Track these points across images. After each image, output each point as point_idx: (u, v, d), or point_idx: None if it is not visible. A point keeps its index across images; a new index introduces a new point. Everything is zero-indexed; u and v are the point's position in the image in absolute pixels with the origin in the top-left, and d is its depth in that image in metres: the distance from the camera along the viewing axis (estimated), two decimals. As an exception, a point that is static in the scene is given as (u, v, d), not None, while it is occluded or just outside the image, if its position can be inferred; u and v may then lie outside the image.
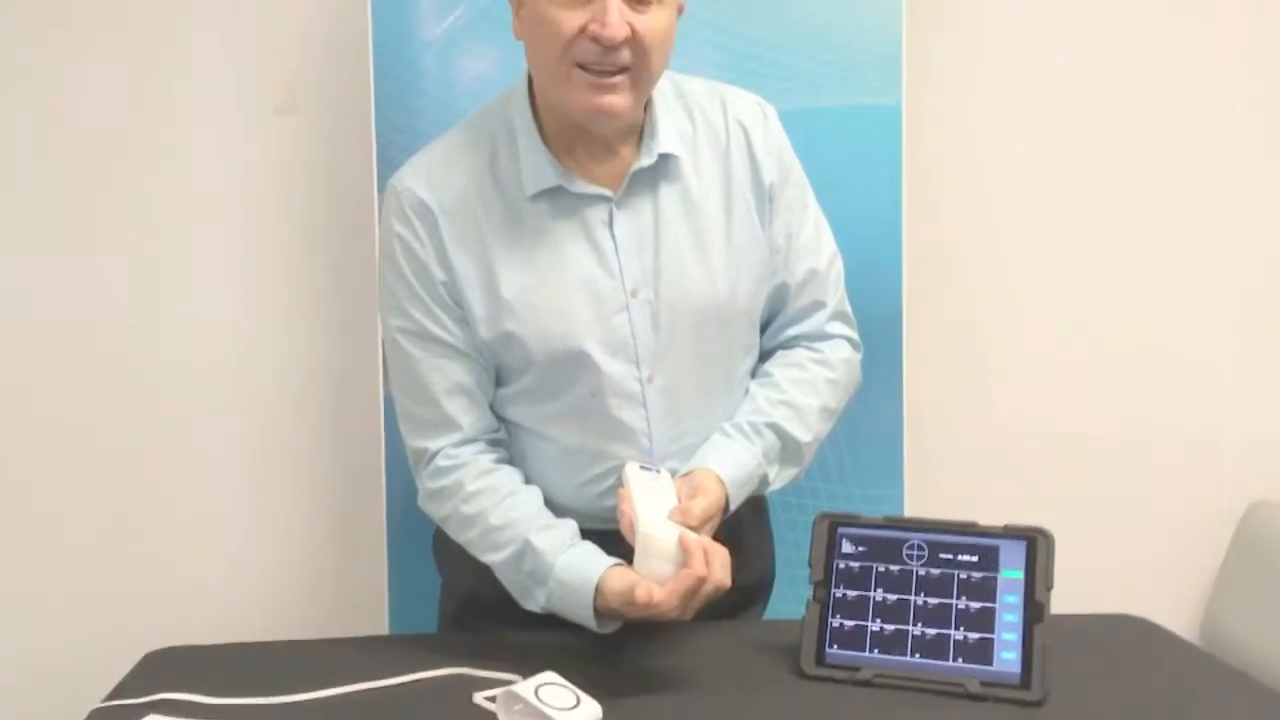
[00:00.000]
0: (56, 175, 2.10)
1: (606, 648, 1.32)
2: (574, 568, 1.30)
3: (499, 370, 1.42)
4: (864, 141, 2.00)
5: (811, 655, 1.26)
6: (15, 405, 2.13)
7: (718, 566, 1.23)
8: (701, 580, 1.21)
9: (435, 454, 1.39)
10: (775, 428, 1.41)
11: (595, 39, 1.25)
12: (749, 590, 1.53)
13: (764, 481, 1.42)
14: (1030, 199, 2.29)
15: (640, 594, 1.21)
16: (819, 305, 1.49)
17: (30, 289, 2.12)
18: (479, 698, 1.20)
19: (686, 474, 1.36)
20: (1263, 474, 2.36)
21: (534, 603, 1.34)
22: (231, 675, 1.27)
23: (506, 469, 1.41)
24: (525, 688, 1.13)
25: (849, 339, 1.52)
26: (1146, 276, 2.32)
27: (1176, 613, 2.36)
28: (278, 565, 2.20)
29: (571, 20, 1.25)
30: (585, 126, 1.34)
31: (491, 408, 1.43)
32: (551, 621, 1.36)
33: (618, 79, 1.28)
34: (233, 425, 2.17)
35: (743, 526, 1.48)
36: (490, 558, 1.36)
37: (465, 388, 1.39)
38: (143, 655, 1.37)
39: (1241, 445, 2.37)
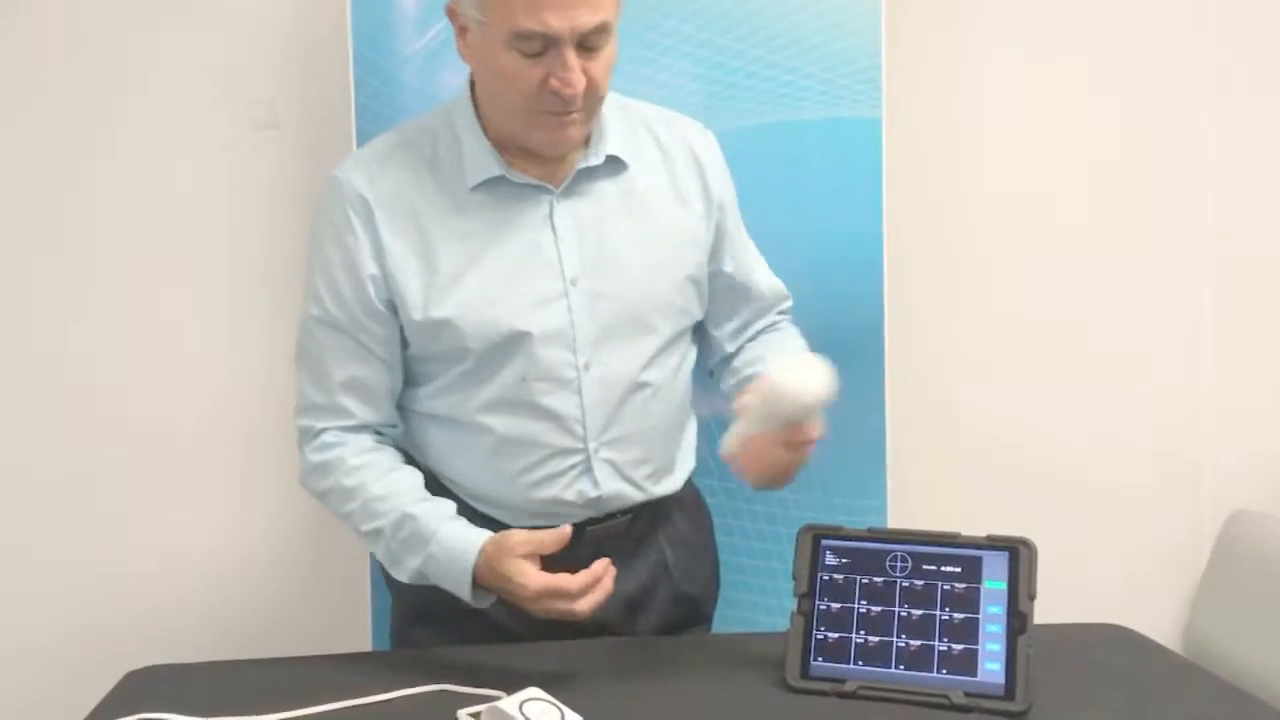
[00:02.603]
0: (34, 193, 2.09)
1: (590, 663, 1.32)
2: (458, 535, 1.33)
3: (429, 363, 1.43)
4: (845, 154, 2.00)
5: (796, 668, 1.26)
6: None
7: (587, 598, 1.26)
8: (568, 593, 1.25)
9: (321, 431, 1.42)
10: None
11: (556, 94, 1.30)
12: (695, 602, 1.56)
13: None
14: (1010, 212, 2.30)
15: (518, 537, 1.28)
16: (770, 306, 1.60)
17: (7, 302, 2.10)
18: (463, 715, 1.19)
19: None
20: (1242, 483, 2.37)
21: (404, 570, 1.37)
22: (214, 694, 1.26)
23: (390, 450, 1.44)
24: (510, 704, 1.12)
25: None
26: (1126, 288, 2.34)
27: (1159, 622, 2.37)
28: (259, 582, 2.18)
29: (532, 75, 1.29)
30: (538, 150, 1.39)
31: (414, 409, 1.46)
32: (531, 637, 1.37)
33: (575, 115, 1.34)
34: (213, 437, 2.16)
35: (686, 539, 1.54)
36: (368, 526, 1.38)
37: (364, 384, 1.42)
38: (123, 675, 1.36)
39: (1221, 455, 2.39)
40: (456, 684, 1.26)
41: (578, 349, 1.40)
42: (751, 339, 1.58)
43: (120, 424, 2.13)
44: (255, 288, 2.14)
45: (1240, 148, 2.34)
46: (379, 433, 1.45)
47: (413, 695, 1.25)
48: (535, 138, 1.36)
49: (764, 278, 1.59)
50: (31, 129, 2.08)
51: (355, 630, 2.01)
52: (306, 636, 2.09)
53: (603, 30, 1.29)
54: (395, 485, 1.39)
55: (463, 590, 1.32)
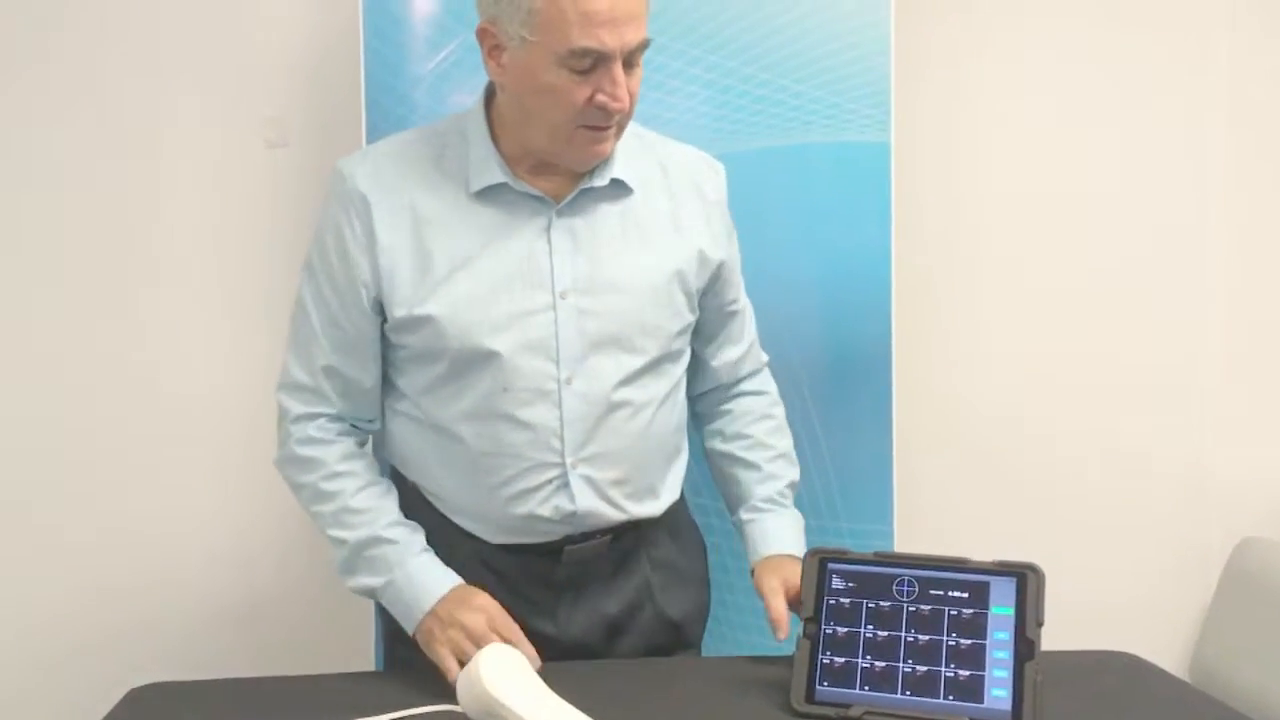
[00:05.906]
0: (50, 210, 2.10)
1: (595, 683, 1.32)
2: (428, 569, 1.41)
3: (407, 363, 1.44)
4: (853, 178, 2.00)
5: (802, 692, 1.25)
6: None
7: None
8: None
9: (305, 420, 1.45)
10: (793, 486, 1.59)
11: (603, 109, 1.32)
12: (679, 627, 1.55)
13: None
14: (1018, 234, 2.31)
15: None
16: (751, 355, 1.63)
17: (13, 320, 2.11)
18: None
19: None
20: (1251, 511, 2.37)
21: (356, 583, 1.43)
22: (216, 712, 1.26)
23: (369, 459, 1.49)
24: None
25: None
26: (1135, 312, 2.34)
27: (1166, 649, 2.36)
28: (265, 599, 2.18)
29: (580, 92, 1.31)
30: (568, 166, 1.40)
31: (399, 411, 1.47)
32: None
33: (612, 129, 1.36)
34: (219, 452, 2.16)
35: (672, 562, 1.54)
36: (334, 533, 1.42)
37: (346, 373, 1.44)
38: (126, 692, 1.36)
39: (1229, 482, 2.38)
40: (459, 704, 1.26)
41: (560, 362, 1.40)
42: (737, 395, 1.62)
43: (123, 438, 2.13)
44: (264, 304, 2.14)
45: (1249, 177, 2.34)
46: (355, 426, 1.48)
47: (418, 715, 1.25)
48: (570, 153, 1.38)
49: (747, 326, 1.62)
50: (46, 146, 2.09)
51: (360, 649, 2.01)
52: (311, 655, 2.09)
53: (645, 45, 1.33)
54: (372, 501, 1.43)
55: (408, 623, 1.40)
